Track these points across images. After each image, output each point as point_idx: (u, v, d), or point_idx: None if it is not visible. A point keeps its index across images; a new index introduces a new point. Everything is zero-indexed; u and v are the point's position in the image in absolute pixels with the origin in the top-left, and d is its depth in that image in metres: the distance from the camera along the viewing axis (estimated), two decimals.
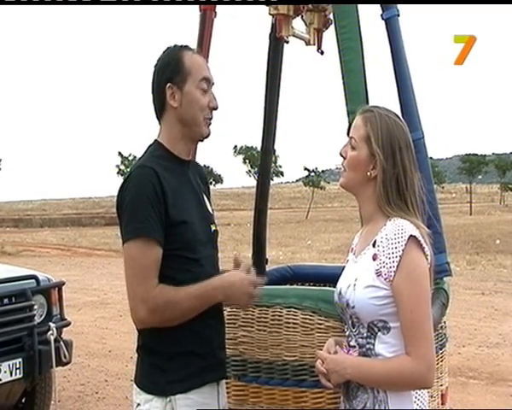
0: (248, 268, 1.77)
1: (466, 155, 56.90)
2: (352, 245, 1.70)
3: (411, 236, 1.49)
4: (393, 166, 1.53)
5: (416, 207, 1.56)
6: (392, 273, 1.47)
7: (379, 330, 1.51)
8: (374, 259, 1.52)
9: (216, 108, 1.80)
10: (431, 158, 2.50)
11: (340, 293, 1.59)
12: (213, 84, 1.80)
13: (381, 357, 1.51)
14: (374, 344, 1.52)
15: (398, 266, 1.47)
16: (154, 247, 1.64)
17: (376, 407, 1.50)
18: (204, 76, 1.77)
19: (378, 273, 1.49)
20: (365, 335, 1.53)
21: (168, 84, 1.74)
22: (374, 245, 1.54)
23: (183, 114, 1.75)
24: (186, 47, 1.81)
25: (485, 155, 59.69)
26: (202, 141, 1.86)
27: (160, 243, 1.65)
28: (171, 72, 1.74)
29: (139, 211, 1.64)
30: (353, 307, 1.52)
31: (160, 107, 1.78)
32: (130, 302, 1.66)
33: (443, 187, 61.56)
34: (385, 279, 1.48)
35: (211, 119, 1.80)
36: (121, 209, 1.69)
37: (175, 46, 1.81)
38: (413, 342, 1.46)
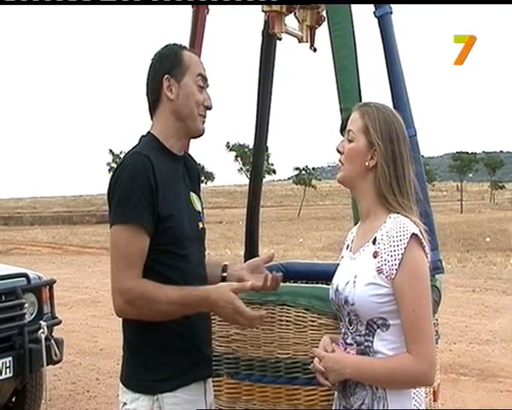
0: (244, 290, 1.69)
1: (457, 153, 57.29)
2: (347, 241, 1.69)
3: (413, 234, 1.48)
4: (392, 155, 1.53)
5: (412, 199, 1.56)
6: (394, 271, 1.47)
7: (378, 328, 1.50)
8: (374, 256, 1.51)
9: (210, 108, 1.79)
10: (422, 156, 2.52)
11: (336, 290, 1.58)
12: (208, 85, 1.80)
13: (380, 354, 1.50)
14: (372, 342, 1.51)
15: (400, 264, 1.46)
16: (142, 235, 1.62)
17: (375, 404, 1.50)
18: (201, 72, 1.77)
19: (379, 271, 1.49)
20: (363, 332, 1.52)
21: (166, 76, 1.73)
22: (374, 242, 1.53)
23: (179, 107, 1.73)
24: (185, 47, 1.82)
25: (475, 154, 60.11)
26: (196, 138, 1.84)
27: (148, 232, 1.63)
28: (170, 63, 1.74)
29: (131, 197, 1.62)
30: (353, 305, 1.51)
31: (155, 98, 1.76)
32: (111, 288, 1.65)
33: (434, 185, 61.93)
34: (386, 277, 1.48)
35: (205, 116, 1.79)
36: (112, 193, 1.67)
37: (174, 44, 1.81)
38: (415, 340, 1.46)
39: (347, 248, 1.67)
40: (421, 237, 1.50)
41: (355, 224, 1.80)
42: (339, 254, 1.74)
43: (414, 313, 1.45)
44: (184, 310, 1.65)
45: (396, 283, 1.47)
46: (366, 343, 1.52)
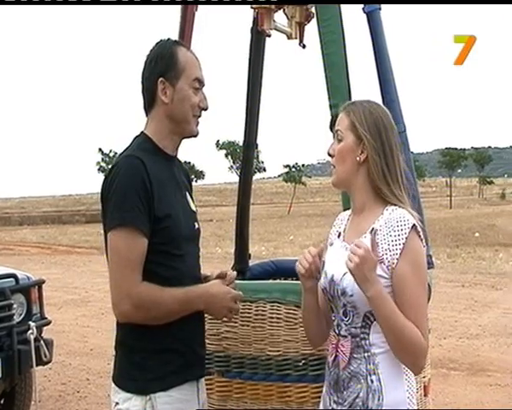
0: (232, 281, 1.76)
1: (446, 149, 57.77)
2: (336, 227, 1.69)
3: (414, 224, 1.50)
4: (381, 145, 1.54)
5: (404, 186, 1.57)
6: (395, 260, 1.48)
7: (375, 320, 1.50)
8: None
9: (206, 109, 1.77)
10: (412, 152, 2.53)
11: (332, 280, 1.56)
12: (204, 85, 1.77)
13: (375, 347, 1.50)
14: (368, 334, 1.51)
15: (401, 253, 1.48)
16: (140, 238, 1.61)
17: (370, 397, 1.49)
18: (197, 76, 1.74)
19: (380, 261, 1.48)
20: (360, 324, 1.52)
21: (160, 79, 1.70)
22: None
23: (174, 111, 1.72)
24: (180, 42, 1.79)
25: (464, 150, 60.65)
26: (189, 138, 1.83)
27: (146, 235, 1.62)
28: (164, 66, 1.70)
29: (126, 200, 1.61)
30: (351, 296, 1.50)
31: (150, 100, 1.74)
32: (114, 295, 1.62)
33: (423, 181, 62.31)
34: (387, 267, 1.48)
35: (199, 117, 1.77)
36: (107, 197, 1.65)
37: (168, 40, 1.77)
38: (417, 325, 1.45)
39: (339, 236, 1.66)
40: (419, 228, 1.52)
41: (344, 209, 1.79)
42: (329, 240, 1.71)
43: (418, 300, 1.47)
44: (186, 308, 1.66)
45: (397, 271, 1.47)
46: (362, 335, 1.52)
